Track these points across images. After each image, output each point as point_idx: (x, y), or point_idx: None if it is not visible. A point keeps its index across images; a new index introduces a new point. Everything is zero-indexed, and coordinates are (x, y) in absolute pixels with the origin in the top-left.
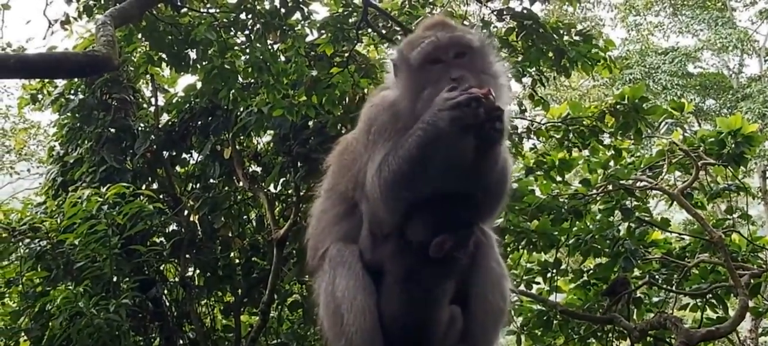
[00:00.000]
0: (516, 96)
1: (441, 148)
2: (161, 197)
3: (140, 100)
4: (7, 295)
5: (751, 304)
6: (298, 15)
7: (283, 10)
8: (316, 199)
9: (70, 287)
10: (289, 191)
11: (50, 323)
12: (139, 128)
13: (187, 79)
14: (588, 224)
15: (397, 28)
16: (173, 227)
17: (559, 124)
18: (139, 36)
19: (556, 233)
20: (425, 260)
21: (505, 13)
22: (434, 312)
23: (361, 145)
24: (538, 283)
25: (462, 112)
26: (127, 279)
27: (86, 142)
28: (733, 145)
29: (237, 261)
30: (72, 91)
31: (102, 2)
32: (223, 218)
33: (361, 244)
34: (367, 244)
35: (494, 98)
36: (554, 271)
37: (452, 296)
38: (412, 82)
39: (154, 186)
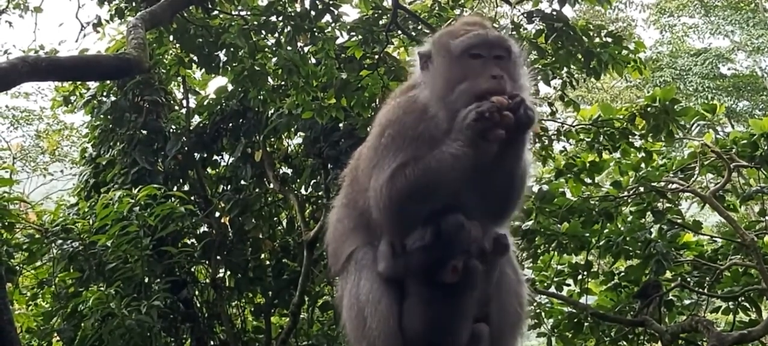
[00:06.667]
0: (546, 98)
1: (467, 160)
2: (192, 198)
3: (172, 102)
4: (40, 295)
5: None
6: (327, 17)
7: (312, 13)
8: (332, 209)
9: (102, 288)
10: (320, 193)
11: (82, 324)
12: (171, 130)
13: (218, 82)
14: (619, 226)
15: (427, 31)
16: (204, 228)
17: (590, 126)
18: (170, 38)
19: (587, 234)
20: (440, 279)
21: (534, 15)
22: (457, 327)
23: (371, 150)
24: (569, 285)
25: (483, 124)
26: (159, 280)
27: (118, 143)
28: (765, 147)
29: (267, 263)
30: (104, 94)
31: (133, 5)
32: (253, 220)
33: (380, 258)
34: (385, 258)
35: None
36: (585, 273)
37: (477, 311)
38: (449, 72)
39: (186, 188)
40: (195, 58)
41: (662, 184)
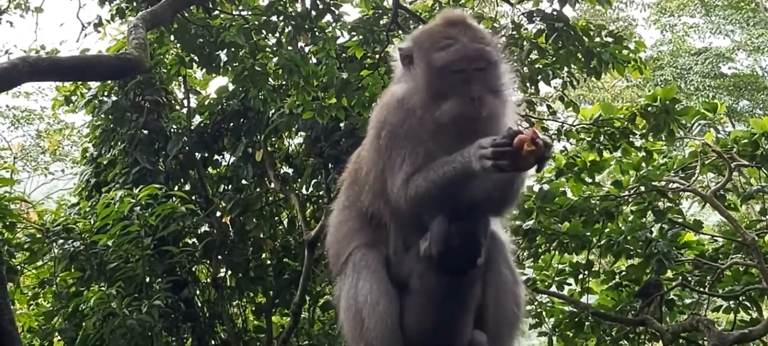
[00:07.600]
0: (546, 98)
1: (476, 181)
2: (193, 198)
3: (173, 101)
4: (41, 295)
5: None
6: (328, 17)
7: (313, 13)
8: (332, 213)
9: (103, 288)
10: (321, 193)
11: (83, 324)
12: (172, 130)
13: (218, 81)
14: (620, 225)
15: None
16: (205, 228)
17: (590, 126)
18: (171, 38)
19: (588, 234)
20: (446, 272)
21: (535, 15)
22: (461, 325)
23: (373, 152)
24: (570, 284)
25: (500, 166)
26: (160, 280)
27: (119, 143)
28: (766, 146)
29: (268, 262)
30: (105, 93)
31: (134, 5)
32: (254, 220)
33: (391, 257)
34: (394, 258)
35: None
36: (586, 272)
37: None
38: (430, 85)
39: (187, 187)
40: (196, 58)
41: (663, 183)
